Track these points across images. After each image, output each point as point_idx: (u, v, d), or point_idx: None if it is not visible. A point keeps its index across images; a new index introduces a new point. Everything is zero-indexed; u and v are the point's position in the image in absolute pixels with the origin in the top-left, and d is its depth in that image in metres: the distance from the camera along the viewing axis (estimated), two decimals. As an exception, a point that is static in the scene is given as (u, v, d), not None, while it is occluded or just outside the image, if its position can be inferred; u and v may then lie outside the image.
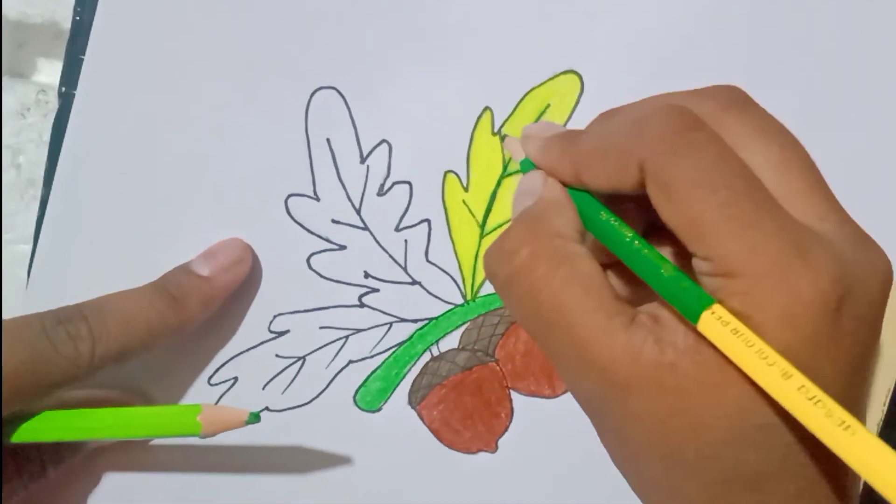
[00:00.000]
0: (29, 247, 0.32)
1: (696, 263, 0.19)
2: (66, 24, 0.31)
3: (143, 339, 0.28)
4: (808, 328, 0.18)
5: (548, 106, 0.30)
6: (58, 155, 0.31)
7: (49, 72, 0.36)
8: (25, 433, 0.27)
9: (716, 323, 0.18)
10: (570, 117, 0.31)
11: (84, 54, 0.31)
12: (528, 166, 0.24)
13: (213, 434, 0.28)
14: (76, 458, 0.31)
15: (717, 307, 0.18)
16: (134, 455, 0.33)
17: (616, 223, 0.21)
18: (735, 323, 0.18)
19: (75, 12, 0.31)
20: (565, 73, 0.30)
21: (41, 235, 0.31)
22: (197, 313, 0.29)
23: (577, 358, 0.20)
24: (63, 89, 0.31)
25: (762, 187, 0.19)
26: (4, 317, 0.34)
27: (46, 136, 0.32)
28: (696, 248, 0.19)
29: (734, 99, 0.22)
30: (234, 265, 0.30)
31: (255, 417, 0.28)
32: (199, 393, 0.32)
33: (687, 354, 0.19)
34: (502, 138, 0.30)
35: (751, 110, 0.21)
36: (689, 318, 0.19)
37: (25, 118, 0.35)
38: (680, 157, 0.19)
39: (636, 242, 0.21)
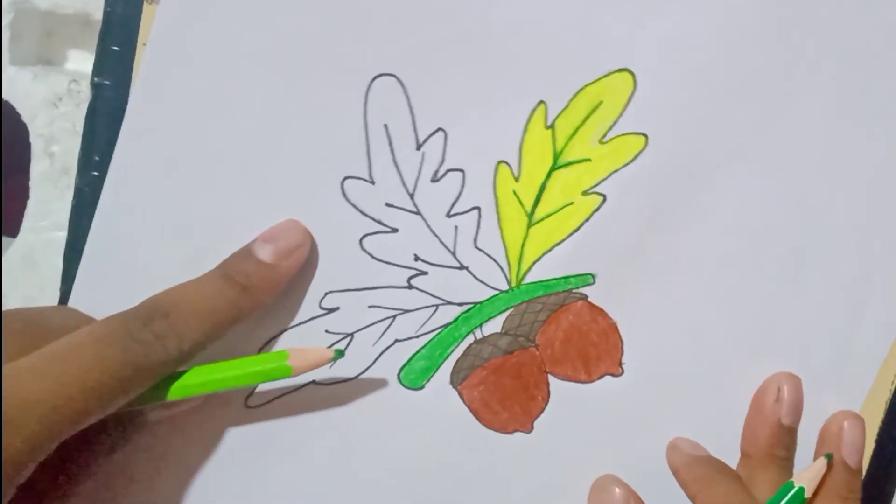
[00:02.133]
0: (63, 234, 0.33)
1: None
2: (96, 15, 0.32)
3: (217, 329, 0.29)
4: None
5: (600, 103, 0.31)
6: (92, 144, 0.32)
7: (79, 60, 0.37)
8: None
9: None
10: (621, 114, 0.31)
11: (117, 45, 0.32)
12: None
13: (304, 372, 0.29)
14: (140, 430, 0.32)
15: None
16: (188, 429, 0.34)
17: None
18: None
19: (107, 3, 0.31)
20: (619, 70, 0.31)
21: (94, 221, 0.32)
22: (264, 300, 0.30)
23: None
24: (96, 80, 0.32)
25: None
26: (40, 304, 0.35)
27: (79, 126, 0.32)
28: None
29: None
30: (295, 249, 0.31)
31: (339, 354, 0.30)
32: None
33: None
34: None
35: None
36: None
37: (58, 108, 0.36)
38: None
39: None
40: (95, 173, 0.33)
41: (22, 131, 0.35)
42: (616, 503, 0.32)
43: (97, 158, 0.33)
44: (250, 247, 0.31)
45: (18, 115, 0.35)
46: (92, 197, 0.33)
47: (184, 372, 0.29)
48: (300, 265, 0.32)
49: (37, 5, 0.35)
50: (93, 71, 0.32)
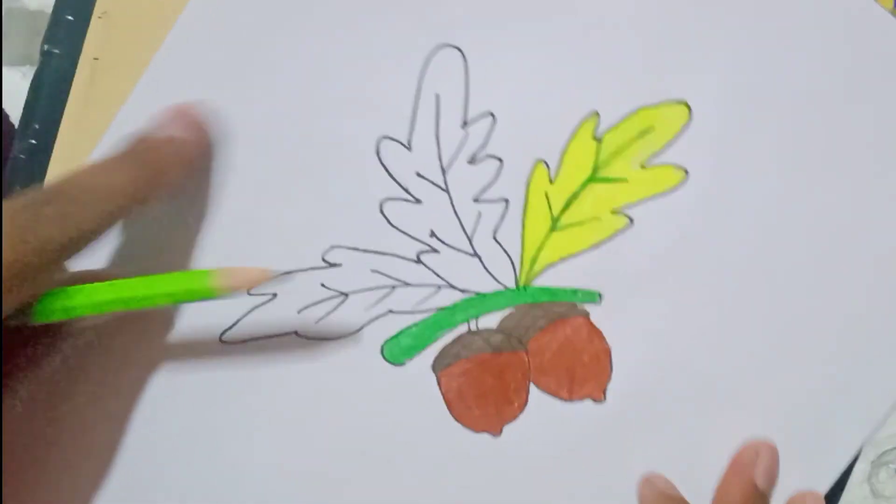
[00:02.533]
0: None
1: None
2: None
3: (118, 208, 0.27)
4: None
5: (652, 128, 0.31)
6: (33, 112, 0.32)
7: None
8: (43, 313, 0.27)
9: None
10: (668, 144, 0.31)
11: (71, 15, 0.31)
12: None
13: (234, 292, 0.28)
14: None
15: None
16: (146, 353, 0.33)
17: None
18: None
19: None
20: (678, 102, 0.31)
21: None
22: (173, 174, 0.29)
23: None
24: (46, 47, 0.32)
25: None
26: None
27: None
28: None
29: None
30: (202, 125, 0.30)
31: (278, 275, 0.28)
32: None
33: None
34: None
35: None
36: None
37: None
38: None
39: None
40: (33, 141, 0.32)
41: (9, 129, 0.34)
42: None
43: (37, 126, 0.32)
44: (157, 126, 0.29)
45: (7, 116, 0.35)
46: (27, 164, 0.32)
47: (91, 288, 0.27)
48: (209, 142, 0.30)
49: (26, 5, 0.34)
50: (43, 38, 0.32)
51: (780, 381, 0.33)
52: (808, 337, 0.33)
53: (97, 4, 0.31)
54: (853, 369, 0.33)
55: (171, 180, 0.29)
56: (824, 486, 0.34)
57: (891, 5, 0.33)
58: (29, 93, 0.32)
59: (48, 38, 0.32)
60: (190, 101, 0.31)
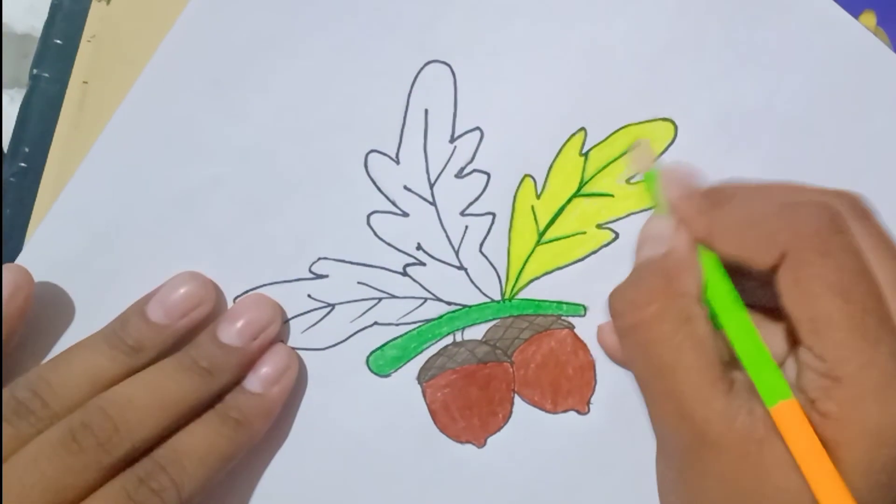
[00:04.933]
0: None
1: (805, 355, 0.21)
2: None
3: (219, 469, 0.29)
4: (893, 451, 0.20)
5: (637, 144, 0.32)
6: (22, 135, 0.32)
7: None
8: None
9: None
10: (654, 161, 0.32)
11: (60, 39, 0.32)
12: (658, 205, 0.25)
13: None
14: None
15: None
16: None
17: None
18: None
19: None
20: (664, 119, 0.32)
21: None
22: (260, 431, 0.30)
23: (675, 410, 0.21)
24: (35, 71, 0.32)
25: (886, 307, 0.21)
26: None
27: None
28: (812, 344, 0.21)
29: (860, 207, 0.23)
30: (284, 373, 0.31)
31: None
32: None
33: (773, 434, 0.20)
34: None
35: (873, 221, 0.23)
36: (765, 402, 0.20)
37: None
38: (826, 257, 0.21)
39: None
40: (23, 164, 0.32)
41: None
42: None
43: (27, 150, 0.32)
44: (243, 384, 0.31)
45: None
46: (16, 187, 0.32)
47: None
48: (291, 388, 0.31)
49: (13, 28, 0.34)
50: (32, 62, 0.32)
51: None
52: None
53: (86, 28, 0.31)
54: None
55: (259, 436, 0.31)
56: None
57: (873, 24, 0.33)
58: (18, 116, 0.32)
59: (37, 62, 0.32)
60: (279, 346, 0.31)
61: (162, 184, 0.32)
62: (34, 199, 0.32)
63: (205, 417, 0.29)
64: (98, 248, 0.32)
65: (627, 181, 0.32)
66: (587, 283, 0.33)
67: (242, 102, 0.31)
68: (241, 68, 0.31)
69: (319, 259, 0.32)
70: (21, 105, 0.32)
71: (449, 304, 0.33)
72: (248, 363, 0.30)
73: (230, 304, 0.32)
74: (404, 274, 0.33)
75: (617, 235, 0.32)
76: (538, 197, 0.32)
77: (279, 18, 0.31)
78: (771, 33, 0.32)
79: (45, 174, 0.32)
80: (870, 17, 0.33)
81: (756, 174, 0.32)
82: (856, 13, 0.32)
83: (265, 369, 0.30)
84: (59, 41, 0.32)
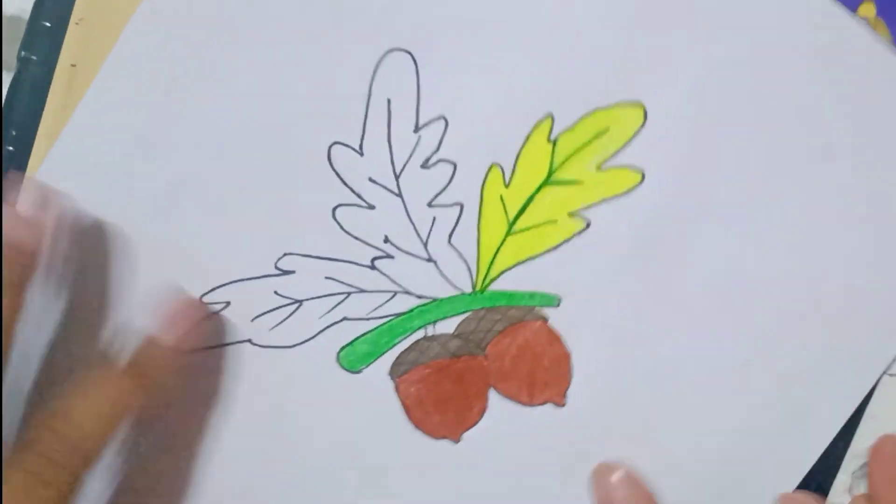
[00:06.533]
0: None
1: None
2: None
3: (119, 425, 0.28)
4: None
5: (607, 129, 0.31)
6: (10, 119, 0.31)
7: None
8: None
9: None
10: (624, 146, 0.31)
11: (49, 21, 0.31)
12: None
13: None
14: None
15: None
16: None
17: None
18: None
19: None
20: (632, 103, 0.31)
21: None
22: (169, 382, 0.30)
23: None
24: (23, 53, 0.31)
25: None
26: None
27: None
28: None
29: None
30: (197, 326, 0.31)
31: None
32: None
33: None
34: None
35: None
36: None
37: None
38: None
39: None
40: (10, 147, 0.32)
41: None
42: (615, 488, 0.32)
43: (13, 132, 0.31)
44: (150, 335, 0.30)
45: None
46: (3, 170, 0.31)
47: None
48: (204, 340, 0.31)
49: (2, 11, 0.33)
50: (21, 44, 0.31)
51: (743, 380, 0.33)
52: (770, 333, 0.33)
53: (74, 10, 0.31)
54: (818, 370, 0.33)
55: (169, 390, 0.30)
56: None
57: (873, 15, 0.32)
58: (5, 99, 0.31)
59: (25, 45, 0.31)
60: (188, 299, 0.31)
61: (122, 186, 0.31)
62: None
63: (106, 371, 0.29)
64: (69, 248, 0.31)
65: (598, 168, 0.31)
66: (560, 273, 0.32)
67: (200, 100, 0.31)
68: (198, 64, 0.30)
69: (285, 255, 0.32)
70: (8, 88, 0.31)
71: (419, 297, 0.32)
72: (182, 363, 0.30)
73: (199, 303, 0.32)
74: (372, 268, 0.32)
75: (589, 224, 0.32)
76: (507, 186, 0.31)
77: (233, 12, 0.30)
78: (742, 12, 0.31)
79: (32, 157, 0.32)
80: (869, 8, 0.32)
81: (727, 154, 0.31)
82: (855, 4, 0.31)
83: (177, 321, 0.30)
84: (47, 23, 0.31)
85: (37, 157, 0.32)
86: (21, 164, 0.32)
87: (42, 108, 0.31)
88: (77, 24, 0.31)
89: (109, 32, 0.31)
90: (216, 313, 0.32)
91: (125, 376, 0.29)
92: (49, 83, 0.31)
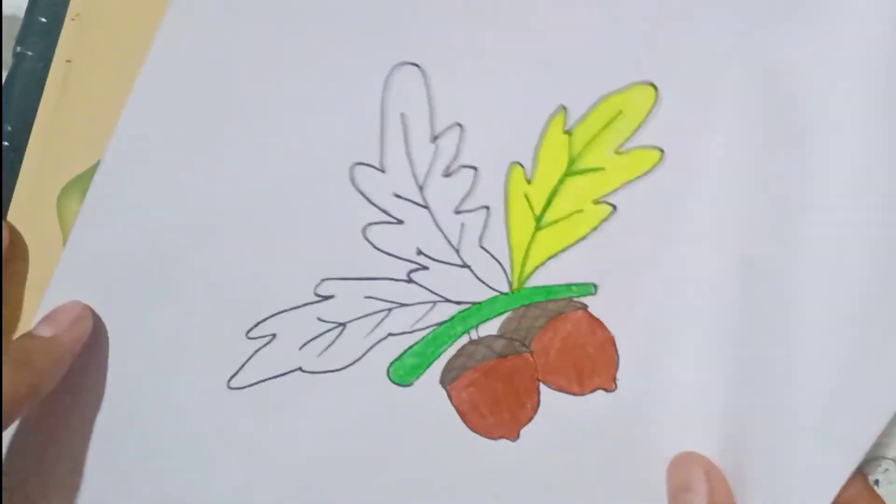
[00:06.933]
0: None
1: None
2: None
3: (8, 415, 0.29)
4: None
5: (620, 113, 0.31)
6: (6, 113, 0.32)
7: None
8: None
9: None
10: (640, 127, 0.31)
11: (44, 17, 0.31)
12: None
13: None
14: None
15: None
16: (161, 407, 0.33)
17: None
18: None
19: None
20: (642, 83, 0.31)
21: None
22: (48, 372, 0.30)
23: None
24: (18, 49, 0.32)
25: None
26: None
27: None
28: None
29: None
30: (76, 322, 0.31)
31: None
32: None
33: None
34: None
35: None
36: None
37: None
38: None
39: None
40: (6, 143, 0.32)
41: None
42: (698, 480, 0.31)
43: (9, 128, 0.32)
44: (31, 330, 0.31)
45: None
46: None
47: None
48: (86, 336, 0.31)
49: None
50: (16, 40, 0.32)
51: (785, 350, 0.32)
52: (808, 302, 0.32)
53: (70, 6, 0.31)
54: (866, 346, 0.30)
55: (47, 380, 0.30)
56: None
57: None
58: (1, 95, 0.32)
59: (21, 40, 0.31)
60: (72, 301, 0.32)
61: (155, 226, 0.32)
62: (16, 179, 0.32)
63: None
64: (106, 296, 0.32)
65: (617, 152, 0.32)
66: (593, 261, 0.32)
67: (223, 134, 0.31)
68: (218, 97, 0.31)
69: (323, 281, 0.32)
70: (4, 84, 0.32)
71: (458, 303, 0.33)
72: (63, 354, 0.31)
73: (242, 345, 0.32)
74: (409, 281, 0.32)
75: (615, 208, 0.32)
76: (529, 182, 0.32)
77: (247, 41, 0.31)
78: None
79: (27, 153, 0.32)
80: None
81: (746, 137, 0.31)
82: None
83: (59, 317, 0.31)
84: (43, 19, 0.31)
85: (32, 153, 0.32)
86: (17, 160, 0.32)
87: (37, 104, 0.32)
88: (73, 19, 0.31)
89: (105, 29, 0.31)
90: (91, 310, 0.32)
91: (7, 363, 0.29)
92: (45, 79, 0.32)
